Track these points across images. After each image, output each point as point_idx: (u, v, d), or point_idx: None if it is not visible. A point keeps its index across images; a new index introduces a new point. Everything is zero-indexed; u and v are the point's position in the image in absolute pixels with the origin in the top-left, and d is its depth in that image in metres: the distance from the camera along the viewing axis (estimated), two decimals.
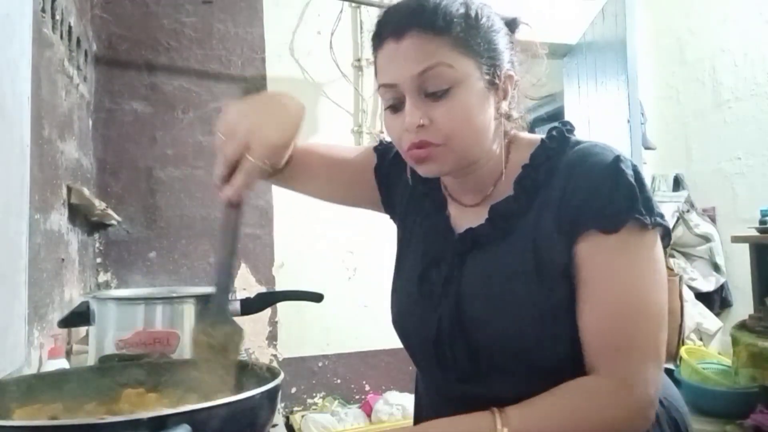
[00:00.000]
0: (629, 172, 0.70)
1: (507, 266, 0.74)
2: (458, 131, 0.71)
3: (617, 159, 0.71)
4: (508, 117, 0.78)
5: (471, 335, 0.75)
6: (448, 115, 0.71)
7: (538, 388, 0.69)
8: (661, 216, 0.71)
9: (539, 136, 0.81)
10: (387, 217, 0.98)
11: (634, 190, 0.69)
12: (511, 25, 0.81)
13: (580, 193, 0.71)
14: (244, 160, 0.73)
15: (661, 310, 0.69)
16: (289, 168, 0.94)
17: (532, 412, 0.66)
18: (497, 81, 0.74)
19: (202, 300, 1.17)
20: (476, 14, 0.73)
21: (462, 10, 0.72)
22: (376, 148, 0.97)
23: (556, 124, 0.80)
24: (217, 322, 0.76)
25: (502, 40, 0.76)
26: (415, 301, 0.83)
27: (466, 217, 0.82)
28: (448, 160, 0.73)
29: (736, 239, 2.58)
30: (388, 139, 0.86)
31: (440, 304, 0.78)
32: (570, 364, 0.71)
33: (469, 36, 0.72)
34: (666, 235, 0.73)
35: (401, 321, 0.87)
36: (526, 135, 0.83)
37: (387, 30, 0.73)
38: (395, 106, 0.75)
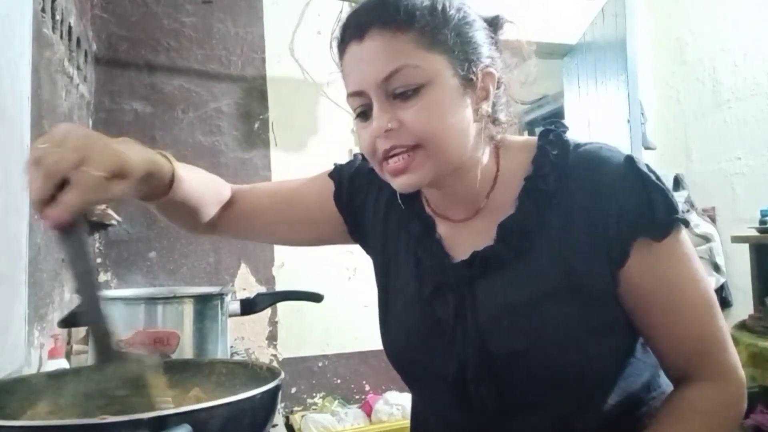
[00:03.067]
0: (648, 172, 0.66)
1: (532, 290, 0.67)
2: (431, 132, 0.65)
3: (631, 160, 0.67)
4: (494, 120, 0.72)
5: (500, 371, 0.68)
6: (418, 115, 0.64)
7: (570, 418, 0.69)
8: None
9: (531, 138, 0.75)
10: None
11: (665, 190, 0.66)
12: (493, 23, 0.74)
13: (615, 205, 0.65)
14: (77, 173, 0.56)
15: (715, 299, 0.68)
16: (228, 212, 0.85)
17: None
18: (473, 78, 0.67)
19: (203, 300, 1.17)
20: (443, 6, 0.67)
21: (427, 2, 0.66)
22: (330, 174, 0.90)
23: (549, 126, 0.74)
24: (116, 368, 0.68)
25: (478, 34, 0.69)
26: (423, 336, 0.74)
27: (460, 236, 0.74)
28: (426, 167, 0.66)
29: (736, 239, 2.58)
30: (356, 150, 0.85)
31: (456, 340, 0.71)
32: (600, 385, 0.69)
33: (436, 29, 0.65)
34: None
35: (405, 357, 0.78)
36: (515, 138, 0.76)
37: (349, 31, 0.67)
38: (365, 113, 0.68)
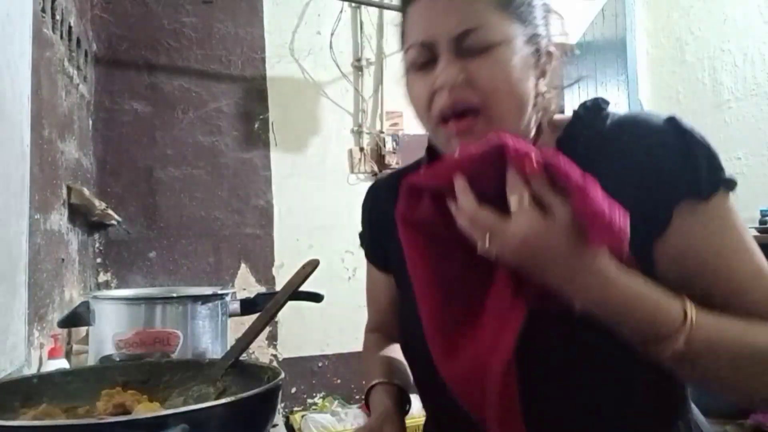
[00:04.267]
0: (692, 131, 0.62)
1: None
2: (499, 92, 0.63)
3: (673, 119, 0.63)
4: (543, 98, 0.69)
5: (530, 368, 0.62)
6: (489, 71, 0.62)
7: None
8: None
9: (570, 115, 0.72)
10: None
11: (709, 149, 0.61)
12: (549, 8, 0.73)
13: (654, 166, 0.60)
14: None
15: None
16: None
17: (716, 317, 0.57)
18: (539, 52, 0.67)
19: (203, 300, 1.17)
20: None
21: None
22: (367, 257, 0.92)
23: (589, 99, 0.71)
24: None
25: (543, 12, 0.70)
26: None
27: None
28: (482, 132, 0.62)
29: None
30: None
31: None
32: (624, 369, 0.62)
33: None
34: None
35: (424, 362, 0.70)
36: (556, 116, 0.73)
37: None
38: (422, 66, 0.66)
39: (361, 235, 0.92)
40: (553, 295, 0.56)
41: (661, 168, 0.60)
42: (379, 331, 0.93)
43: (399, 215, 0.66)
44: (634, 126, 0.64)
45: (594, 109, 0.69)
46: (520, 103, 0.65)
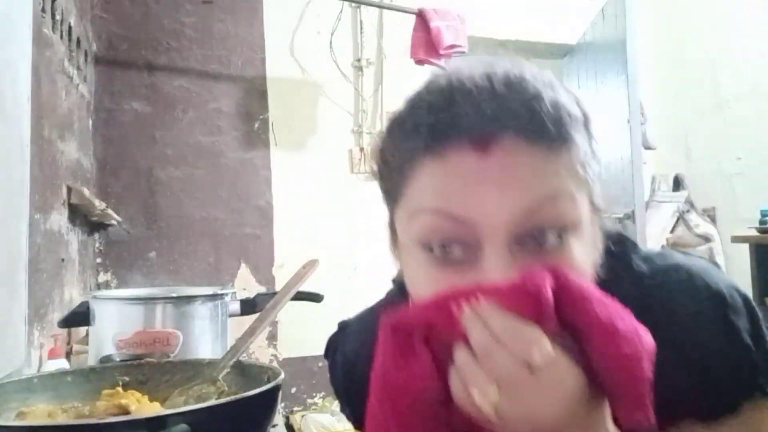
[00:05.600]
0: (742, 323, 0.48)
1: None
2: None
3: (724, 304, 0.48)
4: None
5: None
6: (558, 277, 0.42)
7: None
8: None
9: None
10: (386, 217, 0.73)
11: (750, 353, 0.48)
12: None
13: (672, 366, 0.44)
14: None
15: None
16: None
17: None
18: (597, 212, 0.49)
19: (202, 300, 1.17)
20: (588, 117, 0.48)
21: (578, 111, 0.46)
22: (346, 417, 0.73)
23: (613, 235, 0.53)
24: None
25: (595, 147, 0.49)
26: None
27: None
28: None
29: (736, 239, 2.58)
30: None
31: None
32: None
33: (588, 153, 0.46)
34: None
35: None
36: None
37: (451, 131, 0.44)
38: (447, 256, 0.46)
39: (334, 388, 0.74)
40: None
41: (682, 373, 0.47)
42: None
43: (381, 373, 0.43)
44: (681, 290, 0.49)
45: (621, 256, 0.53)
46: None
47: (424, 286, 0.46)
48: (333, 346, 0.72)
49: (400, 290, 0.60)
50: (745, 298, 0.49)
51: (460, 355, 0.40)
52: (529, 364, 0.38)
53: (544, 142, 0.43)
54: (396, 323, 0.42)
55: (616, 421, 0.42)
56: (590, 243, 0.47)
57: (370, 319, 0.65)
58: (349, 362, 0.67)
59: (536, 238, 0.44)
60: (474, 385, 0.39)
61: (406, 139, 0.48)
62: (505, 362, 0.38)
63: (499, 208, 0.43)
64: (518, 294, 0.39)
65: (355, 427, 0.68)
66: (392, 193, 0.51)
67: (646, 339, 0.39)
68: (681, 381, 0.46)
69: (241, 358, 0.83)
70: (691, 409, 0.47)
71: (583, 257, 0.45)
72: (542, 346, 0.38)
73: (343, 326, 0.72)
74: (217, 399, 0.75)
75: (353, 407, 0.68)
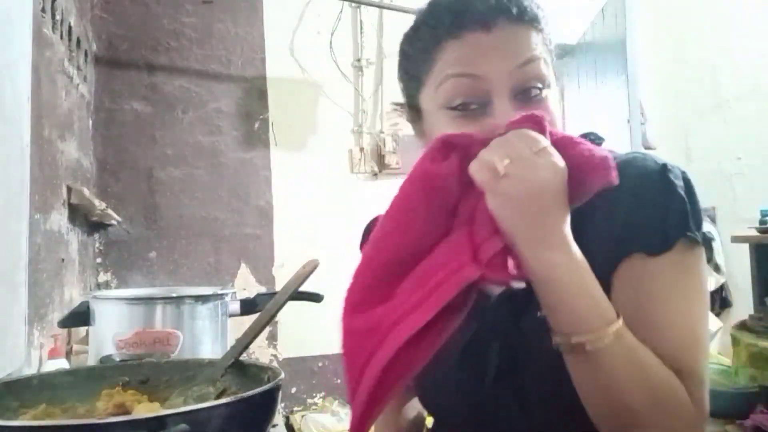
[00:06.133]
0: (679, 182, 0.63)
1: None
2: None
3: (664, 168, 0.64)
4: None
5: (539, 395, 0.65)
6: (548, 117, 0.59)
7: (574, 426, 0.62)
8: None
9: None
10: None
11: (684, 204, 0.62)
12: None
13: (624, 211, 0.62)
14: None
15: (707, 333, 0.63)
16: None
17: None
18: (560, 90, 0.70)
19: (203, 300, 1.17)
20: (545, 13, 0.67)
21: (541, 10, 0.66)
22: None
23: (586, 133, 0.69)
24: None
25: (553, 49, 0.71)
26: (472, 368, 0.70)
27: None
28: None
29: (736, 239, 2.58)
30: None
31: (492, 369, 0.68)
32: None
33: (549, 36, 0.67)
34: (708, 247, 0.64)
35: (455, 389, 0.72)
36: None
37: (468, 17, 0.62)
38: (466, 109, 0.63)
39: None
40: (508, 266, 0.55)
41: (633, 214, 0.62)
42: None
43: (420, 164, 0.58)
44: (630, 168, 0.64)
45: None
46: None
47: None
48: (365, 235, 0.86)
49: None
50: (683, 172, 0.66)
51: (484, 149, 0.56)
52: (534, 149, 0.54)
53: (525, 24, 0.64)
54: (443, 137, 0.58)
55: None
56: (558, 101, 0.67)
57: None
58: None
59: (526, 92, 0.63)
60: (491, 157, 0.54)
61: (432, 30, 0.65)
62: (518, 144, 0.54)
63: (501, 67, 0.62)
64: (527, 120, 0.57)
65: None
66: (418, 76, 0.68)
67: (599, 151, 0.57)
68: (634, 222, 0.62)
69: (241, 358, 0.83)
70: (640, 244, 0.61)
71: (555, 110, 0.65)
72: (544, 139, 0.55)
73: (375, 219, 0.81)
74: (217, 399, 0.74)
75: None
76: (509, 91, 0.62)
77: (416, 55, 0.68)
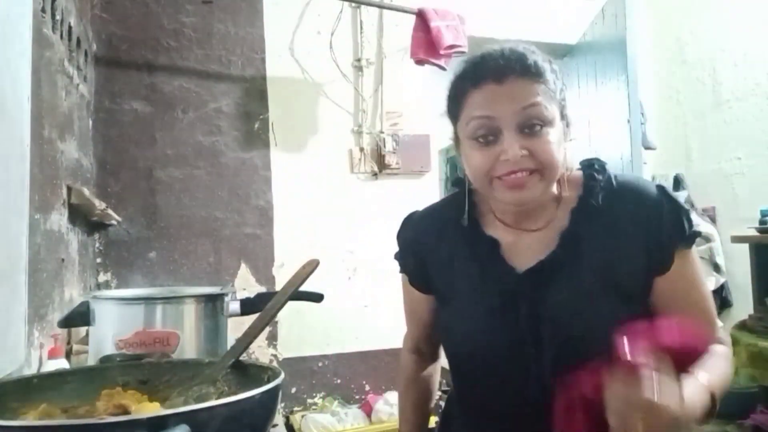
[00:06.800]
0: (674, 197, 0.88)
1: (584, 284, 0.86)
2: (550, 161, 0.84)
3: (663, 188, 0.89)
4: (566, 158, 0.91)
5: (560, 352, 0.85)
6: (544, 147, 0.83)
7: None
8: None
9: (577, 172, 0.95)
10: (386, 218, 1.04)
11: (688, 211, 0.88)
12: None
13: (657, 222, 0.86)
14: None
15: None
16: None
17: (709, 371, 0.79)
18: (568, 126, 0.90)
19: (203, 300, 1.17)
20: (556, 70, 0.88)
21: (547, 65, 0.87)
22: (402, 271, 1.06)
23: (590, 159, 0.95)
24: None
25: (563, 89, 0.90)
26: (501, 329, 0.89)
27: (524, 245, 0.92)
28: (538, 187, 0.85)
29: (736, 239, 2.58)
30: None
31: (521, 330, 0.87)
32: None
33: (555, 86, 0.86)
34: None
35: (485, 343, 0.91)
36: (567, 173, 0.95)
37: (486, 74, 0.85)
38: (485, 139, 0.86)
39: (402, 263, 1.05)
40: None
41: (663, 225, 0.86)
42: (418, 350, 1.10)
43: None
44: (639, 189, 0.90)
45: (601, 171, 0.93)
46: (559, 167, 0.86)
47: (475, 161, 0.87)
48: (404, 226, 1.06)
49: (455, 185, 1.01)
50: (665, 191, 0.90)
51: (618, 406, 0.69)
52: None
53: (528, 78, 0.84)
54: (566, 394, 0.76)
55: None
56: (560, 137, 0.86)
57: (434, 212, 1.04)
58: (414, 240, 1.03)
59: (530, 127, 0.84)
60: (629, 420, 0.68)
61: (461, 81, 0.90)
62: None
63: (509, 109, 0.83)
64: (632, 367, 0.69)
65: (410, 282, 1.04)
66: (455, 114, 0.91)
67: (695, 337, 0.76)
68: (667, 229, 0.86)
69: (241, 358, 0.83)
70: (681, 243, 0.87)
71: (555, 143, 0.84)
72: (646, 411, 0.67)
73: (412, 213, 1.06)
74: (217, 399, 0.75)
75: (410, 270, 1.04)
76: (515, 126, 0.83)
77: (452, 99, 0.91)
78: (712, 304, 0.90)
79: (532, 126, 0.83)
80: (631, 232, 0.86)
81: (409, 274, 1.04)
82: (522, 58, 0.85)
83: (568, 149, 0.90)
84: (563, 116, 0.88)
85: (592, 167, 0.93)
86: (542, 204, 0.91)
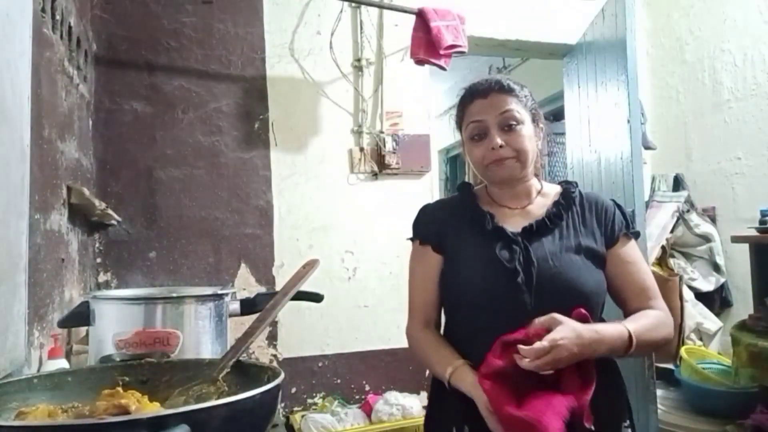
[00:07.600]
0: (623, 207, 1.30)
1: (562, 245, 1.20)
2: (523, 149, 1.21)
3: (615, 201, 1.31)
4: (539, 154, 1.30)
5: (544, 286, 1.14)
6: (517, 139, 1.21)
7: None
8: None
9: (558, 185, 1.34)
10: (386, 218, 1.19)
11: (632, 218, 1.32)
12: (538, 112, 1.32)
13: (609, 216, 1.26)
14: None
15: None
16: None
17: (638, 323, 1.13)
18: (538, 129, 1.27)
19: (203, 300, 1.17)
20: (528, 92, 1.28)
21: (519, 87, 1.26)
22: (421, 242, 1.31)
23: (567, 180, 1.35)
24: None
25: (538, 111, 1.29)
26: (500, 270, 1.17)
27: (511, 219, 1.26)
28: (516, 168, 1.22)
29: (736, 239, 2.58)
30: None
31: (518, 271, 1.15)
32: (595, 304, 1.19)
33: (526, 100, 1.25)
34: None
35: (477, 290, 1.19)
36: (546, 185, 1.34)
37: (476, 93, 1.25)
38: (479, 137, 1.23)
39: (423, 231, 1.31)
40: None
41: (613, 218, 1.26)
42: (427, 324, 1.28)
43: (489, 362, 1.06)
44: (599, 200, 1.29)
45: (574, 185, 1.31)
46: (531, 155, 1.24)
47: (473, 154, 1.25)
48: (422, 211, 1.36)
49: (463, 185, 1.38)
50: (615, 202, 1.32)
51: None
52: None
53: (504, 93, 1.24)
54: (504, 341, 1.07)
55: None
56: (531, 134, 1.24)
57: (444, 202, 1.43)
58: (432, 213, 1.34)
59: (507, 126, 1.21)
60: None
61: (462, 99, 1.29)
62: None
63: (492, 114, 1.22)
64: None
65: (428, 242, 1.30)
66: (459, 122, 1.30)
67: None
68: (617, 222, 1.26)
69: (241, 358, 0.83)
70: (625, 232, 1.26)
71: (527, 137, 1.22)
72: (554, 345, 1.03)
73: (427, 204, 1.40)
74: (217, 399, 0.75)
75: (429, 234, 1.30)
76: (497, 126, 1.22)
77: (458, 111, 1.30)
78: (652, 279, 1.24)
79: (509, 125, 1.21)
80: (593, 220, 1.25)
81: (427, 237, 1.30)
82: (500, 81, 1.25)
83: (540, 143, 1.28)
84: (534, 120, 1.26)
85: (569, 183, 1.32)
86: (526, 189, 1.28)
